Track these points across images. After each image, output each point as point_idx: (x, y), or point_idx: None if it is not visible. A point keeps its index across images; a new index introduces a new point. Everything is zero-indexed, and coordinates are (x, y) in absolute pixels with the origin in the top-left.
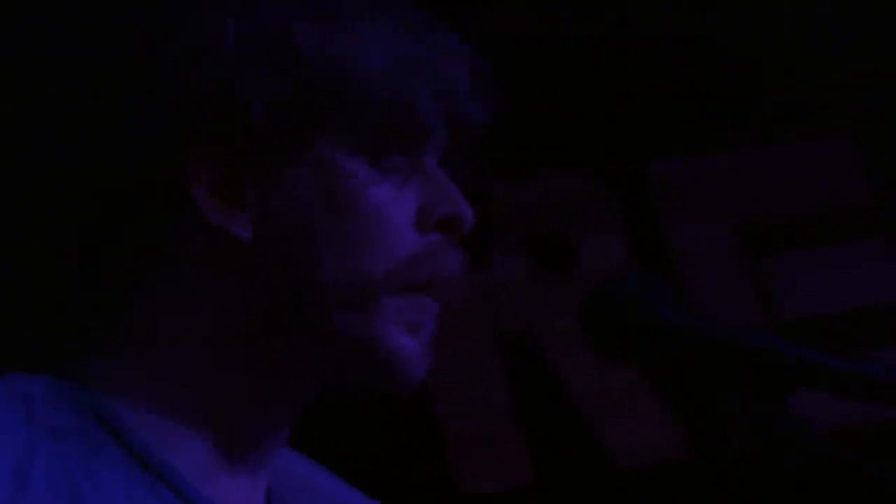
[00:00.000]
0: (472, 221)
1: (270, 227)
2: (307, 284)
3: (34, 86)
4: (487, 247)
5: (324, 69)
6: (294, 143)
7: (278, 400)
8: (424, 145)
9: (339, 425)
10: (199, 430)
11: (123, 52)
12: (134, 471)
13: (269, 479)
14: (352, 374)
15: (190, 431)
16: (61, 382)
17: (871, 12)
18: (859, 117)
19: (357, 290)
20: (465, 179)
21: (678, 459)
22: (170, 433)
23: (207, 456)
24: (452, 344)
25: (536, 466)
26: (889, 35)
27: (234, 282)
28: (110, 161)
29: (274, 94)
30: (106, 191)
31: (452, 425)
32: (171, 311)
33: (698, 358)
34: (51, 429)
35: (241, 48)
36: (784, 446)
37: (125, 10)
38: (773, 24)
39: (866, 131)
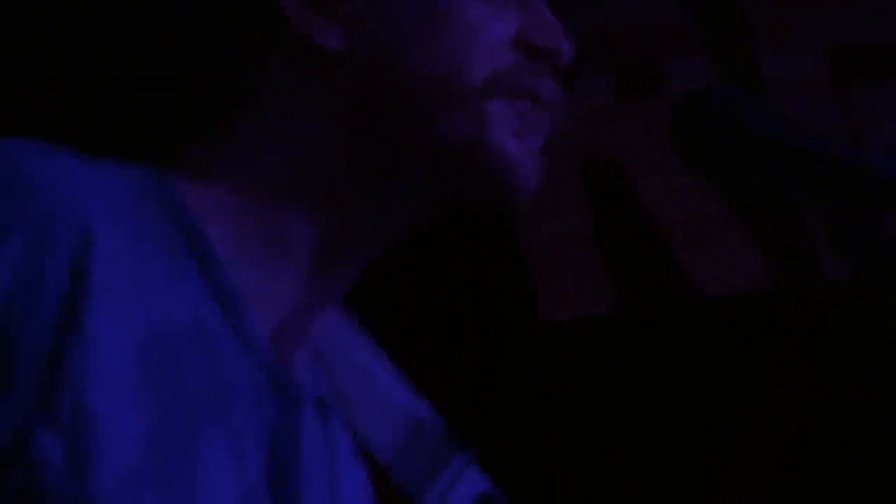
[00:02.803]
0: (569, 55)
1: (365, 40)
2: (405, 92)
3: None
4: (572, 72)
5: None
6: None
7: (371, 225)
8: None
9: (420, 250)
10: (280, 252)
11: None
12: (202, 289)
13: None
14: (459, 183)
15: (270, 253)
16: (152, 178)
17: None
18: None
19: (458, 92)
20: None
21: (763, 290)
22: (248, 251)
23: (281, 284)
24: None
25: (618, 295)
26: None
27: (331, 95)
28: None
29: None
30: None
31: (534, 253)
32: (268, 123)
33: (792, 168)
34: (135, 231)
35: None
36: (878, 267)
37: None
38: None
39: None
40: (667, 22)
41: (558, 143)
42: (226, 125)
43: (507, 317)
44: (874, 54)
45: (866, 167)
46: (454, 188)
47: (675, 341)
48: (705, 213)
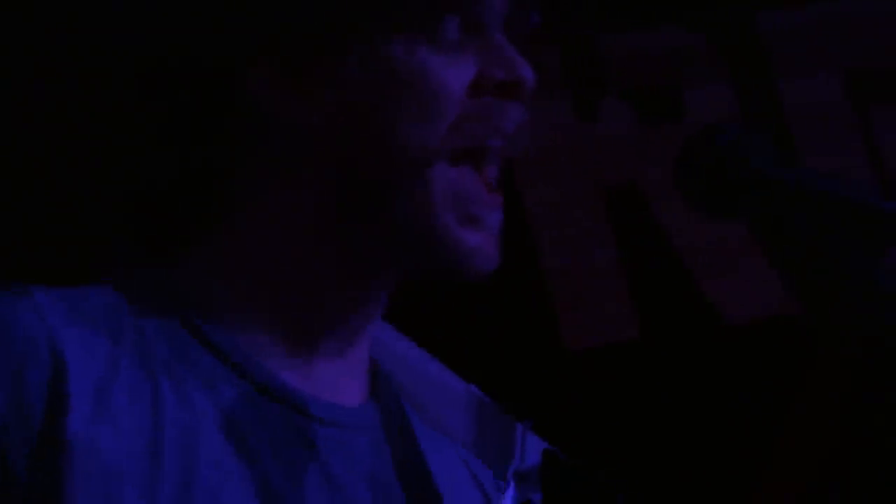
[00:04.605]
0: (531, 83)
1: (330, 115)
2: (368, 164)
3: None
4: (594, 99)
5: None
6: (345, 33)
7: (357, 287)
8: (482, 15)
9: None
10: (283, 323)
11: None
12: (218, 370)
13: (369, 352)
14: (421, 265)
15: (273, 326)
16: (151, 285)
17: None
18: None
19: (412, 161)
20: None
21: (782, 315)
22: (251, 329)
23: (292, 347)
24: (557, 197)
25: (641, 322)
26: None
27: (306, 173)
28: (177, 67)
29: None
30: (178, 94)
31: (557, 280)
32: (250, 210)
33: (795, 210)
34: (138, 335)
35: None
36: (883, 301)
37: None
38: None
39: None
40: (689, 49)
41: (580, 169)
42: (215, 213)
43: (530, 346)
44: (892, 74)
45: (866, 205)
46: (417, 267)
47: (698, 367)
48: (726, 240)
